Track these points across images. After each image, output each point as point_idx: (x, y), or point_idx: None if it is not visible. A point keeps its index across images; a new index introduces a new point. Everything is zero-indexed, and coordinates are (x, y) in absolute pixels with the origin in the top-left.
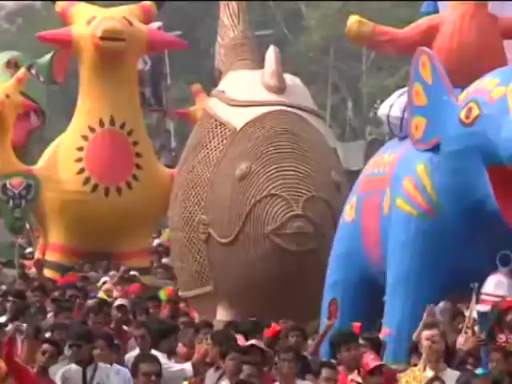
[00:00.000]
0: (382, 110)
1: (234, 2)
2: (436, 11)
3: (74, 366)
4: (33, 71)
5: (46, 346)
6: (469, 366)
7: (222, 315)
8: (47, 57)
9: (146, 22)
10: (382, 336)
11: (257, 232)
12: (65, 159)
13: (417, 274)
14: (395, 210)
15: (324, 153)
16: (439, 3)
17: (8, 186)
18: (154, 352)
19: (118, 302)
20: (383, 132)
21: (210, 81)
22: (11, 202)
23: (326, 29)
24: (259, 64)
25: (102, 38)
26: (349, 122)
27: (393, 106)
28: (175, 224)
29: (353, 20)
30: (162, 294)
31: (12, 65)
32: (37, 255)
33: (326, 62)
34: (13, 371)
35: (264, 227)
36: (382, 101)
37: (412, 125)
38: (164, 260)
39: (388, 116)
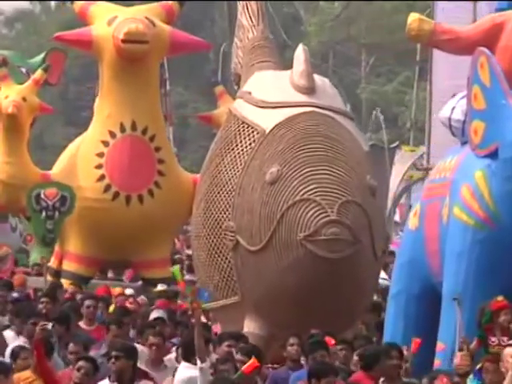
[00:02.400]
0: (444, 113)
1: (252, 3)
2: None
3: None
4: (23, 69)
5: (81, 362)
6: None
7: (249, 327)
8: (39, 57)
9: (169, 21)
10: (436, 351)
11: (289, 239)
12: (84, 165)
13: (472, 287)
14: (452, 219)
15: (358, 156)
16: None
17: (42, 196)
18: (184, 364)
19: (155, 314)
20: (382, 138)
21: (209, 86)
22: (44, 213)
23: (324, 34)
24: (280, 66)
25: (124, 41)
26: None
27: (455, 109)
28: (199, 232)
29: (413, 18)
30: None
31: None
32: (52, 262)
33: (324, 67)
34: (44, 377)
35: (296, 233)
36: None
37: (471, 129)
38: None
39: (449, 119)
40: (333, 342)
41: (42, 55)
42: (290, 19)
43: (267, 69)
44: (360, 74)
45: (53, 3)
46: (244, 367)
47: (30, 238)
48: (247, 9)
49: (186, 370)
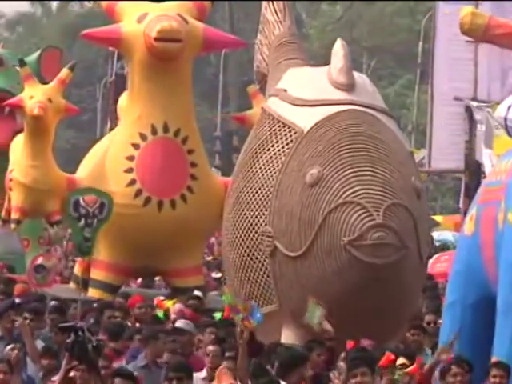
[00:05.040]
0: (499, 113)
1: None
2: None
3: None
4: (18, 68)
5: (118, 380)
6: None
7: (287, 337)
8: (35, 55)
9: (200, 19)
10: None
11: (331, 244)
12: (113, 169)
13: None
14: (507, 225)
15: (402, 156)
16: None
17: (81, 202)
18: None
19: (178, 324)
20: None
21: (211, 89)
22: (83, 221)
23: (326, 37)
24: (308, 63)
25: (157, 39)
26: None
27: (510, 108)
28: (232, 237)
29: (466, 12)
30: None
31: None
32: (76, 269)
33: None
34: None
35: (340, 238)
36: None
37: None
38: None
39: (505, 119)
40: (392, 357)
41: (36, 53)
42: None
43: (295, 66)
44: None
45: (54, 5)
46: None
47: (27, 244)
48: (273, 4)
49: None
